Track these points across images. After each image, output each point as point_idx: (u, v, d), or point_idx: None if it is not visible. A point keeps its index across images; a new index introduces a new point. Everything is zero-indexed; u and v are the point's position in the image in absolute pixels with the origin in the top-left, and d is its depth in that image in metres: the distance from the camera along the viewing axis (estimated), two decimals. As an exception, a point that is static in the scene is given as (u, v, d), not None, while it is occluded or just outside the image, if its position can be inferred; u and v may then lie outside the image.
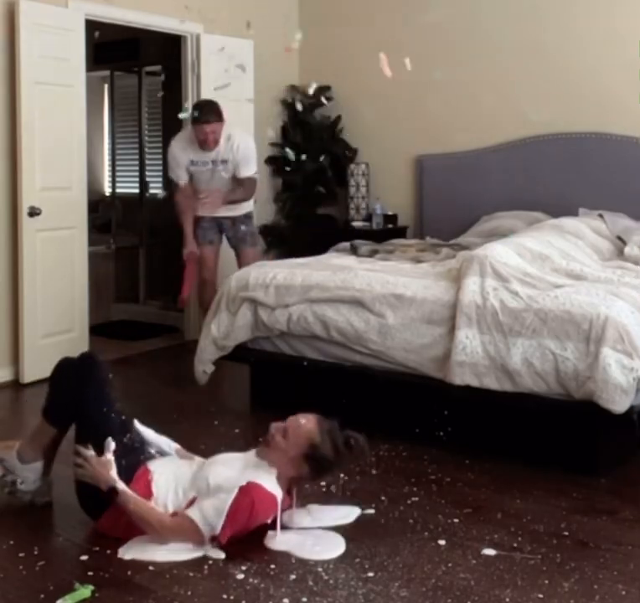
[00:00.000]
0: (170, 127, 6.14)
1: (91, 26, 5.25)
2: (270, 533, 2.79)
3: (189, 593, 2.48)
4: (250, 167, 5.20)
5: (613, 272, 4.00)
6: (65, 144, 5.07)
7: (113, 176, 7.60)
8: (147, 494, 2.79)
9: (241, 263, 5.26)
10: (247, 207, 5.39)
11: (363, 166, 6.34)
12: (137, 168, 7.26)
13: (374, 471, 3.45)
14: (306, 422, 2.86)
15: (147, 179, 7.23)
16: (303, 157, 5.68)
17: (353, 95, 6.34)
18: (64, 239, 5.10)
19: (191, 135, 5.11)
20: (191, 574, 2.59)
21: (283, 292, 4.12)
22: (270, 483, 2.77)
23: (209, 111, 4.97)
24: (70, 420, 2.96)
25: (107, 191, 7.89)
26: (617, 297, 3.47)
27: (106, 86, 7.73)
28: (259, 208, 5.89)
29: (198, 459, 3.07)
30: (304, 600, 2.44)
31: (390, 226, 6.20)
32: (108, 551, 2.71)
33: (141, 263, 7.18)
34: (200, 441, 3.53)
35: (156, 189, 7.19)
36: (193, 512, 2.70)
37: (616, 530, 2.94)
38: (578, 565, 2.66)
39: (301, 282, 4.11)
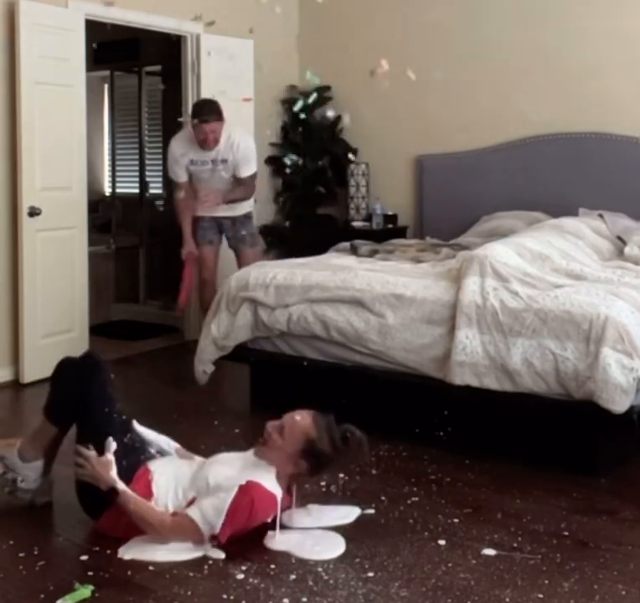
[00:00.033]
0: (170, 127, 6.14)
1: (91, 26, 5.24)
2: (270, 533, 2.79)
3: (189, 593, 2.48)
4: (250, 166, 5.19)
5: (613, 272, 4.00)
6: (65, 144, 5.07)
7: (113, 176, 7.60)
8: (148, 494, 2.79)
9: (241, 264, 5.23)
10: (247, 207, 5.38)
11: (363, 166, 6.34)
12: (137, 168, 7.26)
13: (374, 471, 3.45)
14: (301, 419, 2.86)
15: (147, 179, 7.23)
16: (300, 161, 5.68)
17: (353, 95, 6.34)
18: (64, 239, 5.10)
19: (191, 134, 5.10)
20: (191, 574, 2.59)
21: (283, 292, 4.12)
22: (270, 482, 2.77)
23: (209, 111, 4.96)
24: (72, 419, 2.96)
25: (107, 191, 7.90)
26: (617, 297, 3.47)
27: (106, 86, 7.73)
28: (259, 208, 5.89)
29: (198, 459, 3.07)
30: (304, 600, 2.44)
31: (390, 226, 6.19)
32: (108, 551, 2.71)
33: (141, 263, 7.18)
34: (200, 441, 3.53)
35: (156, 189, 7.19)
36: (192, 512, 2.70)
37: (616, 530, 2.94)
38: (578, 565, 2.66)
39: (302, 282, 4.11)
